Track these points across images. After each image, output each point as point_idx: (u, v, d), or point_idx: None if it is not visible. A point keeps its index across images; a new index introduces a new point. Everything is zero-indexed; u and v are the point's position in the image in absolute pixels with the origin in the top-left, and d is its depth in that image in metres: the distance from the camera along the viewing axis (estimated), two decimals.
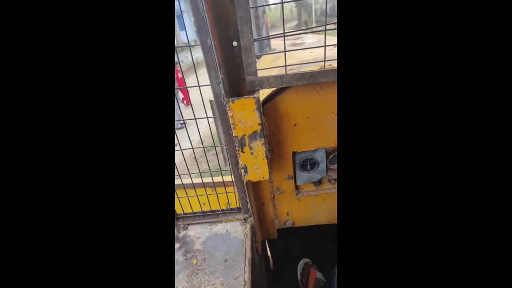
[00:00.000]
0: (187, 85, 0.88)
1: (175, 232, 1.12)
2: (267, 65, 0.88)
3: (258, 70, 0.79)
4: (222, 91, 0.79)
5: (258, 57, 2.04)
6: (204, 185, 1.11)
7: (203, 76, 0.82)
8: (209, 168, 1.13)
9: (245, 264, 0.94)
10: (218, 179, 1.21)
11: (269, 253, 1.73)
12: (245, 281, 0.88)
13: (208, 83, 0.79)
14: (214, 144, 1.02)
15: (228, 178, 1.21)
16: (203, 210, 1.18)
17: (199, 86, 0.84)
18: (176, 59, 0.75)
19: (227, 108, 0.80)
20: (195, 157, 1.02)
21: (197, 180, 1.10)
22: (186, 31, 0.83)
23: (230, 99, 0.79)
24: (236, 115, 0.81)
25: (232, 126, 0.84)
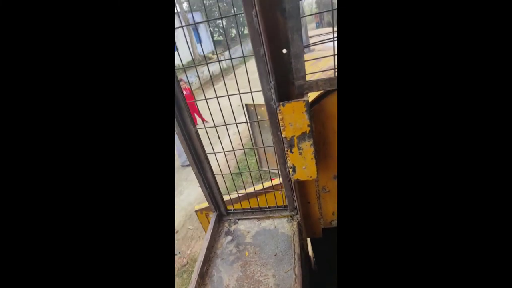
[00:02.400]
0: (207, 97, 0.96)
1: (227, 226, 1.22)
2: (309, 68, 0.91)
3: (307, 74, 0.83)
4: (273, 96, 0.85)
5: None
6: (253, 185, 1.18)
7: (221, 90, 0.88)
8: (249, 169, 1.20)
9: (294, 259, 0.98)
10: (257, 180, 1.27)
11: (310, 253, 1.75)
12: (295, 275, 0.93)
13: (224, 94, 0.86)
14: (243, 148, 1.09)
15: (268, 183, 1.28)
16: (252, 206, 1.26)
17: (239, 94, 0.92)
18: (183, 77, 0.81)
19: (278, 111, 0.86)
20: (236, 160, 1.10)
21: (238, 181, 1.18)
22: (201, 44, 0.90)
23: (280, 102, 0.84)
24: (286, 117, 0.87)
25: (281, 128, 0.89)
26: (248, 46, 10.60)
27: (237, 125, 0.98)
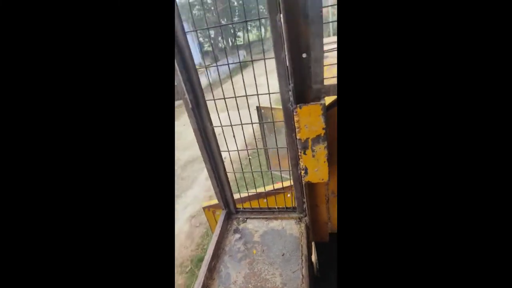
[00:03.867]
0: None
1: (236, 224, 1.24)
2: (324, 73, 0.93)
3: (325, 79, 0.86)
4: (291, 98, 0.88)
5: None
6: (265, 186, 1.20)
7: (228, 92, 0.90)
8: (260, 170, 1.22)
9: (302, 260, 1.00)
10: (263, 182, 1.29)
11: (313, 258, 1.74)
12: (302, 275, 0.94)
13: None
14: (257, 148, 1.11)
15: (278, 184, 1.29)
16: (261, 206, 1.28)
17: (269, 94, 0.95)
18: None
19: (294, 113, 0.88)
20: (249, 159, 1.12)
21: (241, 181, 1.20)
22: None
23: (298, 105, 0.87)
24: (302, 119, 0.89)
25: (297, 129, 0.92)
26: (235, 59, 10.58)
27: (248, 126, 1.01)
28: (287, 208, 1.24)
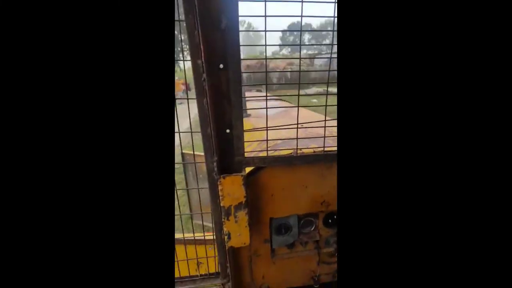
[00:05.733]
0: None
1: None
2: (246, 136, 1.06)
3: (245, 152, 0.98)
4: (215, 169, 0.95)
5: None
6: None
7: None
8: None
9: None
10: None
11: None
12: None
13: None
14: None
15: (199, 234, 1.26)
16: (181, 275, 1.19)
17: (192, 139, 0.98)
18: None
19: (218, 182, 0.94)
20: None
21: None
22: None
23: (222, 175, 0.94)
24: (225, 188, 0.96)
25: (221, 197, 0.97)
26: None
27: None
28: (210, 274, 1.20)
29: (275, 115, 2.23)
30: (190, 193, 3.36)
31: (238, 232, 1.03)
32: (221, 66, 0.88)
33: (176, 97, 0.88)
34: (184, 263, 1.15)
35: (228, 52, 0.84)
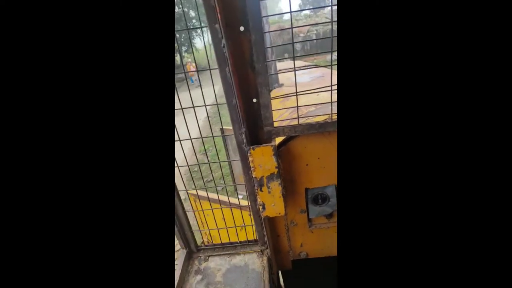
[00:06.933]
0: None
1: (197, 264, 1.20)
2: (277, 106, 1.00)
3: (274, 121, 0.93)
4: (245, 140, 0.93)
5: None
6: (220, 202, 1.20)
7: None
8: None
9: None
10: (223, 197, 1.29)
11: (281, 283, 1.75)
12: None
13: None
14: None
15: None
16: (222, 242, 1.27)
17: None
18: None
19: (248, 154, 0.93)
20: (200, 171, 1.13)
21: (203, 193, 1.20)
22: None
23: (251, 146, 0.91)
24: (256, 159, 0.94)
25: (252, 168, 0.96)
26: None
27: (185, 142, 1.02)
28: (249, 241, 1.25)
29: (311, 82, 2.08)
30: (232, 165, 3.51)
31: (272, 203, 1.02)
32: (242, 28, 0.80)
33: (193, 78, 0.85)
34: (225, 229, 1.21)
35: (248, 12, 0.76)
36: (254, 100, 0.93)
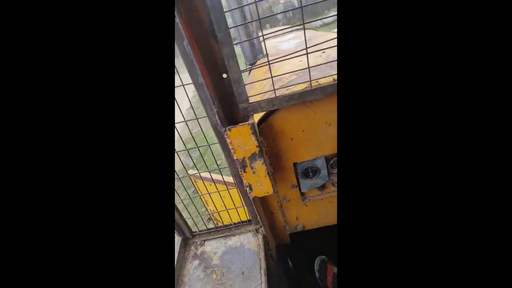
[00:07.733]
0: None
1: (193, 249, 1.20)
2: (260, 77, 0.92)
3: (249, 97, 0.84)
4: (219, 121, 0.85)
5: (252, 65, 2.07)
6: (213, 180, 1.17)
7: None
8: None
9: (261, 275, 1.00)
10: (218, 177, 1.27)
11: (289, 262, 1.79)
12: None
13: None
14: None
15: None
16: (216, 226, 1.26)
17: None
18: None
19: (225, 136, 0.86)
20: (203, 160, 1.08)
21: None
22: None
23: (227, 128, 0.84)
24: (234, 141, 0.87)
25: (232, 151, 0.90)
26: None
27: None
28: (243, 222, 1.24)
29: (297, 48, 1.92)
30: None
31: (258, 183, 0.98)
32: None
33: None
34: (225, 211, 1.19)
35: None
36: (224, 76, 0.83)
